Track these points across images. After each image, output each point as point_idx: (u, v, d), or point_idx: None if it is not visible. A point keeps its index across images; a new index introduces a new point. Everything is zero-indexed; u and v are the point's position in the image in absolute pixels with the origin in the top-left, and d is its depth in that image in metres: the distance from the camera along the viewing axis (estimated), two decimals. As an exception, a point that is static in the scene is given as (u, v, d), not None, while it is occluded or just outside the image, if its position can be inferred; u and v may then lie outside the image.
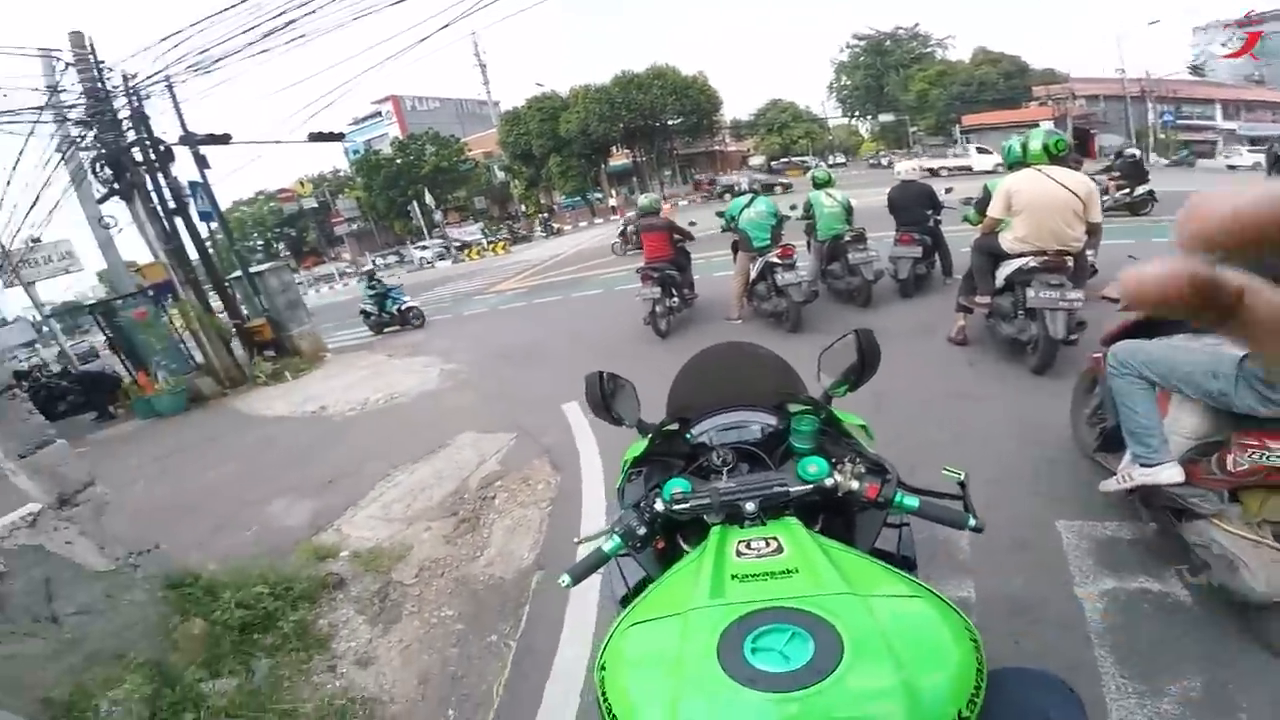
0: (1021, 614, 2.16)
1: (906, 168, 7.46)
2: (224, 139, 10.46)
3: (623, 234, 17.10)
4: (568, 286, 12.83)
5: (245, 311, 10.28)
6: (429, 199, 33.62)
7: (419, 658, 2.55)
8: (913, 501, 1.09)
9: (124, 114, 8.95)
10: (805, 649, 0.73)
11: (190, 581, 2.75)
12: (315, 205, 39.25)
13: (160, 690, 2.20)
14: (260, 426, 6.96)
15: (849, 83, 52.56)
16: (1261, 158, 19.29)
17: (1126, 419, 2.07)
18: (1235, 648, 1.87)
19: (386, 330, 11.76)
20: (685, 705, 0.72)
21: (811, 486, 1.09)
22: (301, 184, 34.77)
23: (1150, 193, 10.01)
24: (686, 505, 1.10)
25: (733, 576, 0.90)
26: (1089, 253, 4.98)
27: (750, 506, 1.06)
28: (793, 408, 1.37)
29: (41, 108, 8.44)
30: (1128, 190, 10.06)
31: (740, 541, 0.98)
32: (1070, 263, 3.94)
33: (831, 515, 1.27)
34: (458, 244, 30.73)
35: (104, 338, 10.18)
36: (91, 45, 8.64)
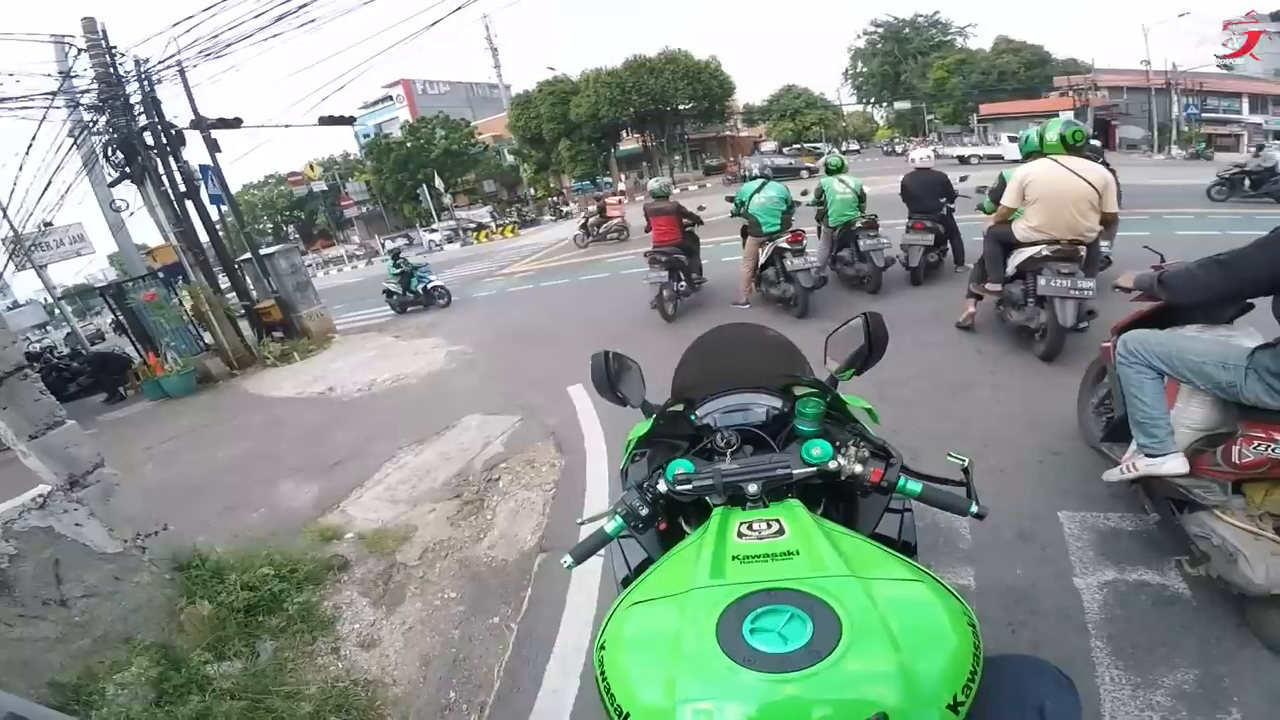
0: (1020, 603, 2.16)
1: (922, 155, 7.35)
2: (235, 123, 10.46)
3: (584, 226, 16.89)
4: (576, 270, 12.81)
5: (254, 293, 10.35)
6: (438, 182, 33.56)
7: (421, 640, 2.58)
8: (916, 486, 1.08)
9: (136, 99, 8.96)
10: (803, 630, 0.73)
11: (197, 564, 2.78)
12: (325, 188, 39.28)
13: (166, 673, 2.23)
14: (268, 407, 7.02)
15: (865, 69, 51.93)
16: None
17: (1134, 409, 2.05)
18: (1232, 642, 1.87)
19: (410, 310, 11.64)
20: (683, 685, 0.72)
21: (815, 469, 1.09)
22: (311, 167, 34.75)
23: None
24: (689, 486, 1.10)
25: (733, 558, 0.90)
26: (1105, 244, 4.94)
27: (753, 488, 1.06)
28: (798, 390, 1.37)
29: (54, 94, 8.47)
30: None
31: (742, 523, 0.98)
32: (1083, 252, 3.91)
33: (834, 499, 1.27)
34: (472, 225, 30.48)
35: (109, 320, 10.25)
36: (104, 31, 8.66)
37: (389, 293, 11.84)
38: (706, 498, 1.12)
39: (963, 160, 25.58)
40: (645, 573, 1.05)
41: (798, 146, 40.05)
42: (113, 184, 9.50)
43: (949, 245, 6.72)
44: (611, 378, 1.42)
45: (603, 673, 0.83)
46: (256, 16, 8.94)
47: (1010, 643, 2.00)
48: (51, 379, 9.37)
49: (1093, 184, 3.78)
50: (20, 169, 9.34)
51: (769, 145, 42.54)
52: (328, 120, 12.64)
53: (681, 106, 34.69)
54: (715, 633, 0.75)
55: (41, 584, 2.25)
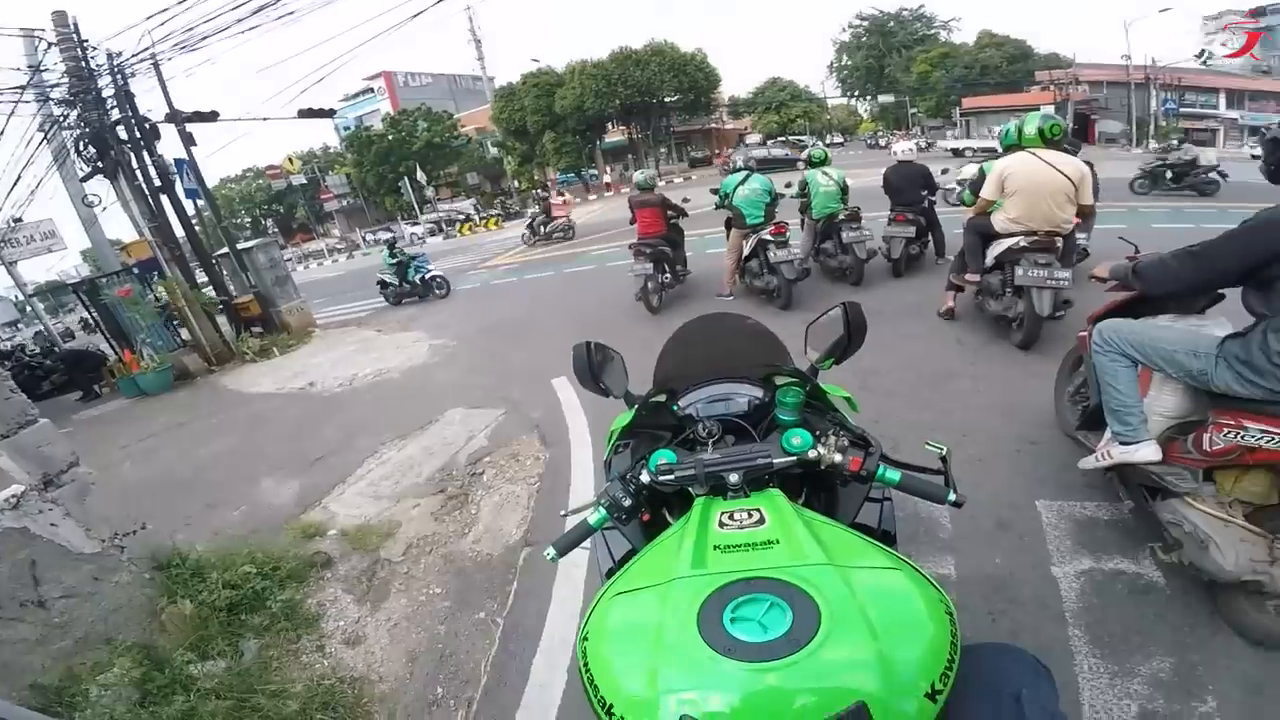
0: (999, 591, 2.20)
1: (904, 148, 7.43)
2: (211, 116, 10.25)
3: (530, 226, 17.15)
4: (560, 262, 12.75)
5: (232, 288, 10.19)
6: (420, 175, 33.17)
7: (407, 636, 2.57)
8: (894, 475, 1.09)
9: (108, 92, 8.76)
10: (783, 619, 0.73)
11: (177, 563, 2.74)
12: (304, 182, 38.66)
13: (150, 673, 2.20)
14: (248, 404, 6.92)
15: (850, 63, 52.04)
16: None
17: (1108, 396, 2.09)
18: (1205, 630, 1.91)
19: (406, 301, 11.44)
20: (665, 674, 0.72)
21: (795, 458, 1.09)
22: (290, 160, 34.13)
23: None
24: (672, 477, 1.10)
25: (715, 547, 0.90)
26: (1082, 236, 5.03)
27: (734, 478, 1.06)
28: (778, 380, 1.37)
29: (23, 88, 8.24)
30: None
31: (723, 513, 0.99)
32: (1059, 243, 4.00)
33: (815, 488, 1.28)
34: (461, 216, 30.19)
35: (80, 318, 10.01)
36: (75, 25, 8.46)
37: (384, 284, 11.51)
38: (689, 488, 1.12)
39: (957, 153, 25.74)
40: (628, 563, 1.05)
41: (782, 139, 40.11)
42: (85, 179, 9.27)
43: (930, 237, 6.78)
44: (594, 368, 1.41)
45: (586, 664, 0.83)
46: (234, 9, 8.78)
47: (990, 631, 2.03)
48: (23, 377, 9.14)
49: (1069, 176, 3.85)
50: (-12, 163, 9.10)
51: (754, 138, 42.63)
52: (307, 113, 12.44)
53: (667, 99, 34.59)
54: (696, 622, 0.75)
55: (18, 585, 2.20)
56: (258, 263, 10.13)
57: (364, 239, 36.06)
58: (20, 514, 2.27)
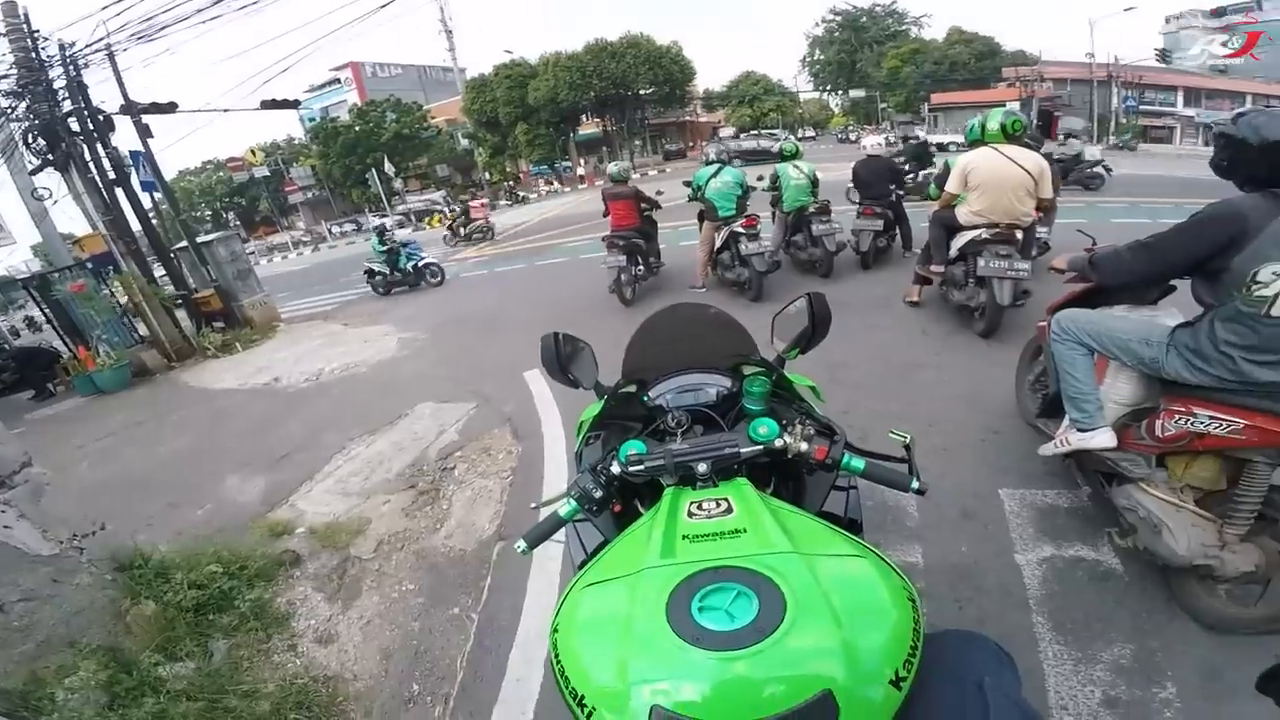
0: (965, 579, 2.25)
1: (873, 143, 7.56)
2: (169, 108, 9.95)
3: (450, 228, 17.79)
4: (532, 254, 12.64)
5: (192, 282, 9.88)
6: (388, 167, 32.53)
7: (380, 633, 2.54)
8: (859, 463, 1.11)
9: (60, 84, 8.43)
10: (750, 607, 0.73)
11: (140, 563, 2.67)
12: (267, 174, 37.61)
13: (117, 675, 2.15)
14: (209, 400, 6.73)
15: (822, 57, 52.47)
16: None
17: (1066, 384, 2.16)
18: (1163, 615, 1.98)
19: (396, 291, 11.13)
20: (635, 665, 0.72)
21: (761, 448, 1.10)
22: (253, 153, 33.14)
23: (932, 174, 9.58)
24: (642, 467, 1.10)
25: (684, 537, 0.90)
26: (1043, 229, 5.18)
27: (702, 468, 1.07)
28: (745, 370, 1.38)
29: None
30: (913, 174, 10.08)
31: (692, 502, 0.99)
32: (1019, 236, 4.14)
33: (783, 477, 1.29)
34: (438, 206, 29.94)
35: (25, 315, 9.58)
36: (26, 15, 8.13)
37: (372, 273, 11.11)
38: (659, 478, 1.13)
39: (941, 148, 26.06)
40: (599, 554, 1.05)
41: (755, 132, 40.32)
42: (34, 172, 8.90)
43: (898, 231, 6.90)
44: (562, 359, 1.41)
45: (557, 656, 0.83)
46: (192, -1, 8.48)
47: (956, 619, 2.08)
48: (-30, 377, 8.76)
49: (1029, 171, 3.99)
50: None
51: (727, 131, 42.73)
52: (271, 104, 12.10)
53: (642, 91, 34.45)
54: (665, 612, 0.75)
55: (-26, 589, 2.13)
56: (218, 256, 9.87)
57: (330, 231, 35.26)
58: (-30, 517, 2.18)
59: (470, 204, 19.80)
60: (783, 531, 0.87)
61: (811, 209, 6.35)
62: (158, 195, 10.03)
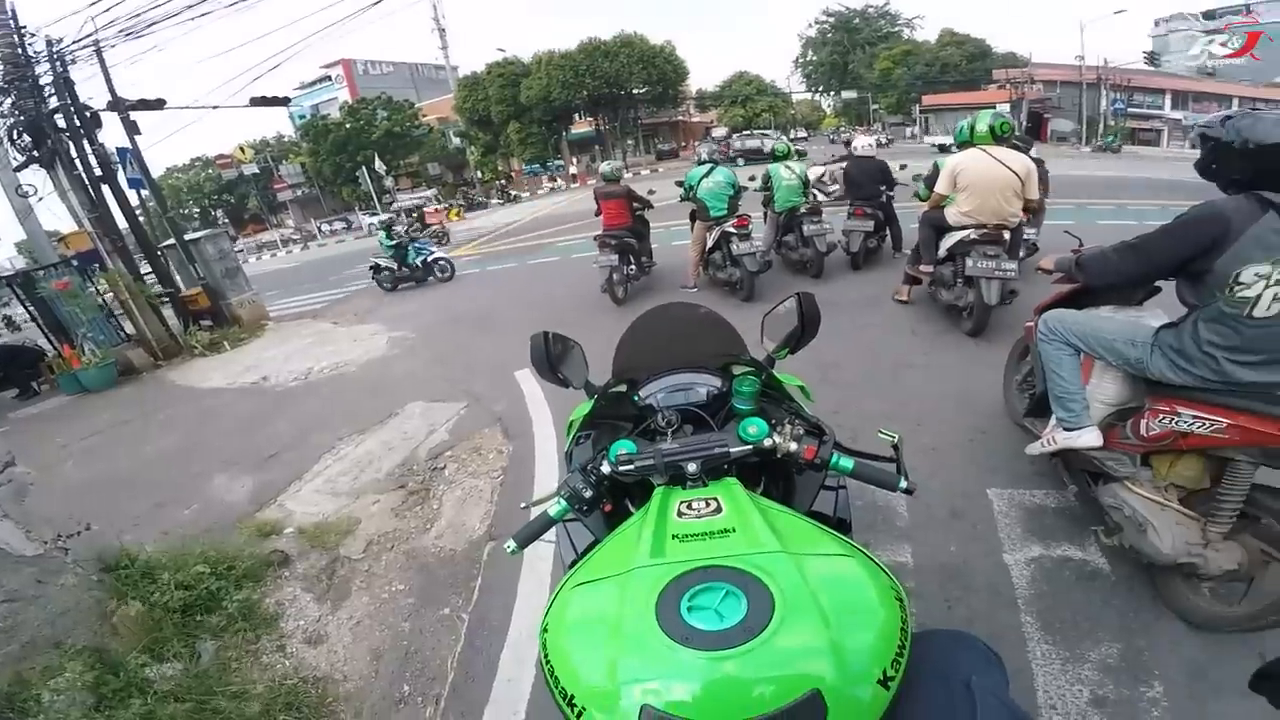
0: (954, 579, 2.26)
1: (863, 144, 7.53)
2: (157, 104, 9.80)
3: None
4: (524, 253, 12.62)
5: (180, 280, 9.79)
6: (379, 165, 32.36)
7: (371, 634, 2.53)
8: (848, 463, 1.11)
9: (46, 80, 8.33)
10: (738, 607, 0.73)
11: (126, 563, 2.64)
12: (256, 172, 37.26)
13: (103, 676, 2.13)
14: (197, 399, 6.66)
15: (815, 58, 52.54)
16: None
17: (1053, 384, 2.18)
18: (1149, 614, 2.00)
19: (402, 286, 10.87)
20: (624, 664, 0.72)
21: (751, 447, 1.11)
22: (242, 150, 32.83)
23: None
24: (632, 467, 1.10)
25: (674, 536, 0.90)
26: (1031, 231, 5.24)
27: (692, 467, 1.07)
28: (735, 369, 1.39)
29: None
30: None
31: (682, 502, 0.99)
32: (1007, 236, 4.19)
33: (773, 476, 1.29)
34: (433, 207, 29.85)
35: (2, 316, 9.41)
36: (13, 10, 8.01)
37: (378, 268, 10.86)
38: (650, 478, 1.13)
39: (943, 149, 26.27)
40: (589, 554, 1.05)
41: (747, 133, 40.43)
42: (19, 168, 8.76)
43: (888, 232, 6.94)
44: (552, 359, 1.40)
45: (547, 656, 0.83)
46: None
47: (945, 619, 2.09)
48: (-48, 375, 8.62)
49: (1016, 172, 4.04)
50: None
51: (720, 131, 42.81)
52: (260, 101, 12.00)
53: (635, 90, 34.46)
54: (654, 612, 0.75)
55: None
56: (206, 254, 9.78)
57: (320, 229, 35.01)
58: (-48, 518, 2.16)
59: (424, 209, 20.36)
60: (771, 531, 0.87)
61: (803, 209, 6.38)
62: (145, 192, 9.94)
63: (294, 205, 45.30)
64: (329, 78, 46.86)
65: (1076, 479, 2.29)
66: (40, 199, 9.08)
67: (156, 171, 10.56)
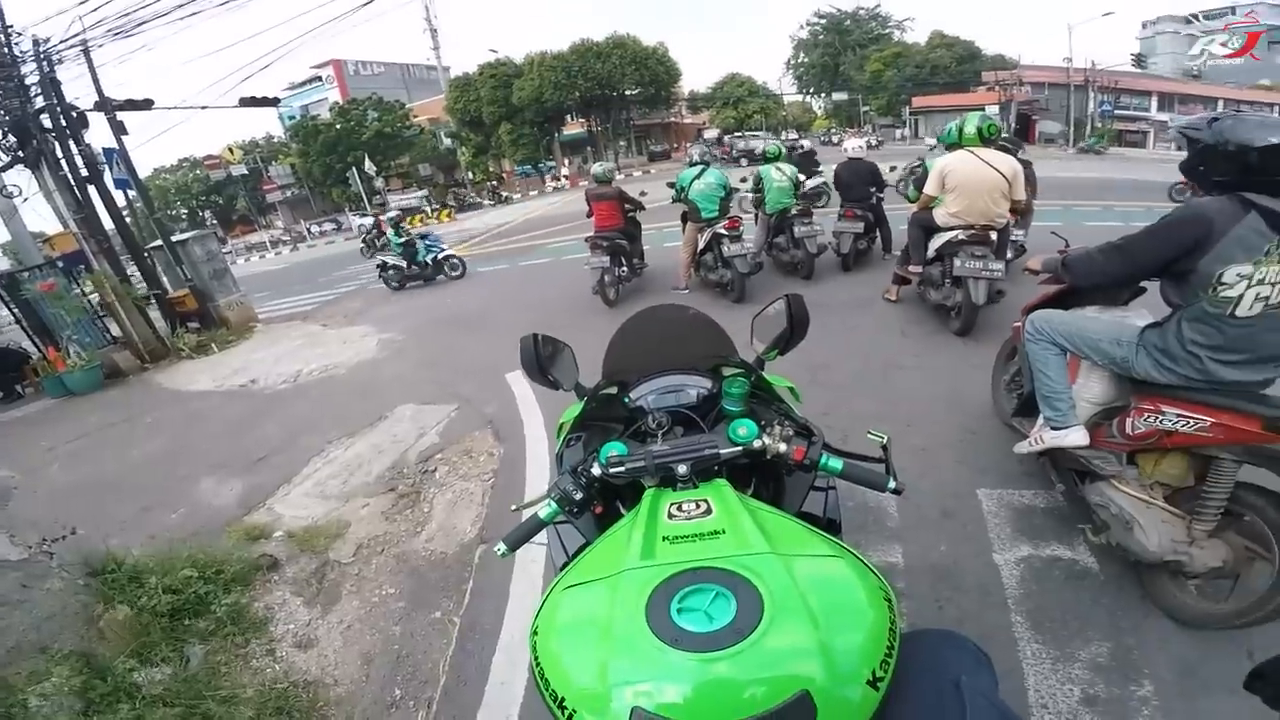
0: (945, 579, 2.27)
1: (854, 145, 7.60)
2: (145, 104, 9.71)
3: (365, 240, 17.60)
4: (515, 255, 12.59)
5: (167, 282, 9.70)
6: (369, 166, 32.21)
7: (361, 638, 2.51)
8: (837, 464, 1.12)
9: (33, 79, 8.23)
10: (728, 609, 0.73)
11: (112, 567, 2.62)
12: (245, 173, 37.00)
13: (91, 681, 2.11)
14: (184, 402, 6.60)
15: (806, 60, 52.73)
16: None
17: (1040, 383, 2.20)
18: (1138, 613, 2.01)
19: (410, 285, 10.69)
20: (615, 666, 0.72)
21: (741, 449, 1.11)
22: (231, 150, 32.61)
23: (824, 183, 9.45)
24: (622, 469, 1.10)
25: (664, 538, 0.90)
26: (1019, 232, 5.29)
27: (682, 469, 1.07)
28: (725, 371, 1.39)
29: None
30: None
31: (672, 504, 0.99)
32: (994, 237, 4.24)
33: (763, 477, 1.29)
34: (431, 207, 29.50)
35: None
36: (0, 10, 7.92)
37: (385, 265, 10.64)
38: (640, 479, 1.13)
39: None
40: (579, 556, 1.05)
41: (738, 134, 40.54)
42: (4, 168, 8.67)
43: (878, 233, 6.98)
44: (542, 361, 1.40)
45: (537, 658, 0.83)
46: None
47: (936, 619, 2.10)
48: (-67, 378, 8.50)
49: (1003, 174, 4.09)
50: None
51: (711, 132, 42.93)
52: (249, 101, 11.88)
53: (628, 92, 34.49)
54: (645, 614, 0.75)
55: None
56: (194, 255, 9.68)
57: (309, 231, 34.77)
58: (-66, 523, 2.13)
59: (381, 219, 20.19)
60: (761, 532, 0.87)
61: (794, 211, 6.41)
62: (132, 193, 9.84)
63: (283, 206, 45.00)
64: (319, 78, 46.66)
65: (1064, 478, 2.31)
66: (25, 199, 9.00)
67: (144, 172, 10.46)
